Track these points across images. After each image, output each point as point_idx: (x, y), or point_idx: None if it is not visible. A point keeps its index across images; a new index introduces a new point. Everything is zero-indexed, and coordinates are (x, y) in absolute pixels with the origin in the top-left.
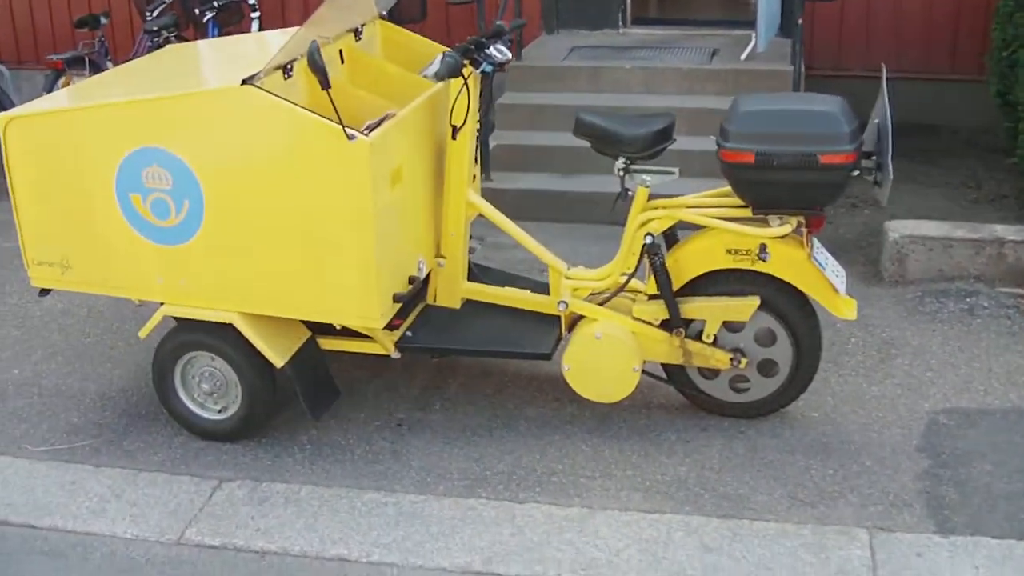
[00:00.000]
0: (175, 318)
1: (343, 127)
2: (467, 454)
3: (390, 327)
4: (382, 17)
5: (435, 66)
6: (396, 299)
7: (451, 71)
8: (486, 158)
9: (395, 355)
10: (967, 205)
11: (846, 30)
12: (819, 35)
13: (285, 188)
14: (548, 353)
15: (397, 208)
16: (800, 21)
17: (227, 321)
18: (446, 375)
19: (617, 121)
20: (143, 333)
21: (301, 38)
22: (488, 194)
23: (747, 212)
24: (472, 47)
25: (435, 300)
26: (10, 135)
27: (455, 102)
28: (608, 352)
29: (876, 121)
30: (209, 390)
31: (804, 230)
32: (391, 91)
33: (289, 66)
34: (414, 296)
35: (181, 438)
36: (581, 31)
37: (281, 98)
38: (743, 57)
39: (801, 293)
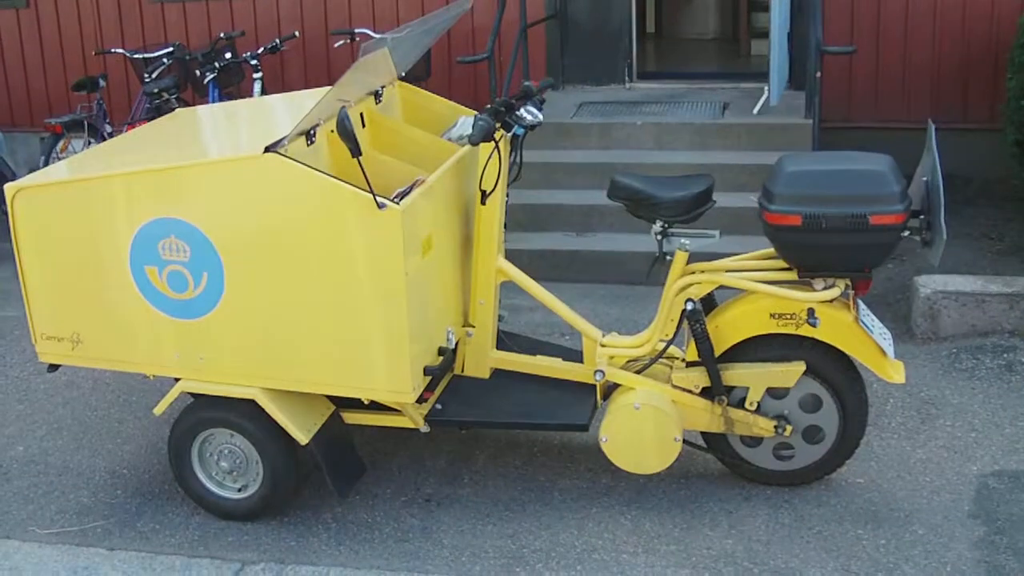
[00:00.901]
0: (192, 394)
1: (373, 195)
2: (501, 531)
3: (420, 400)
4: (400, 79)
5: (459, 128)
6: (427, 372)
7: (484, 135)
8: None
9: (424, 429)
10: (993, 257)
11: (856, 82)
12: (828, 87)
13: (311, 258)
14: (586, 424)
15: (427, 277)
16: (819, 74)
17: (248, 397)
18: (472, 446)
19: (654, 183)
20: (158, 410)
21: (327, 103)
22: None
23: (791, 275)
24: (503, 109)
25: (463, 370)
26: (18, 206)
27: (485, 166)
28: (648, 422)
29: (925, 179)
30: (228, 468)
31: (850, 292)
32: (414, 155)
33: (312, 131)
34: (444, 368)
35: (198, 518)
36: (587, 86)
37: (307, 166)
38: (755, 111)
39: (846, 356)
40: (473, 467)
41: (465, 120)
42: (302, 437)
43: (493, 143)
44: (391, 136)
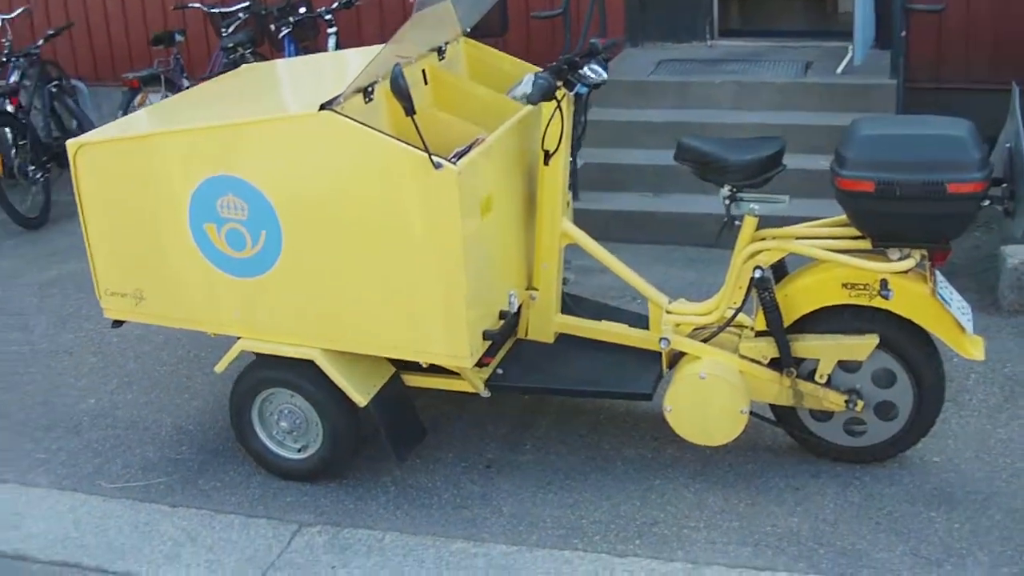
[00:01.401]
0: (253, 353)
1: (429, 155)
2: (561, 500)
3: (480, 364)
4: (466, 35)
5: (524, 87)
6: (486, 336)
7: (544, 94)
8: (574, 177)
9: (485, 394)
10: None
11: (945, 41)
12: (916, 47)
13: (367, 219)
14: (649, 393)
15: (487, 239)
16: (904, 33)
17: (307, 358)
18: (536, 412)
19: (722, 146)
20: (220, 367)
21: (383, 59)
22: (575, 215)
23: (865, 244)
24: (565, 67)
25: (527, 335)
26: (80, 161)
27: (548, 126)
28: (714, 393)
29: (1008, 145)
30: (288, 428)
31: (927, 263)
32: (477, 113)
33: (370, 89)
34: (506, 332)
35: (259, 477)
36: (667, 44)
37: (362, 124)
38: (839, 70)
39: (922, 330)
40: (536, 433)
41: (530, 77)
42: (360, 399)
43: (555, 102)
44: (454, 94)
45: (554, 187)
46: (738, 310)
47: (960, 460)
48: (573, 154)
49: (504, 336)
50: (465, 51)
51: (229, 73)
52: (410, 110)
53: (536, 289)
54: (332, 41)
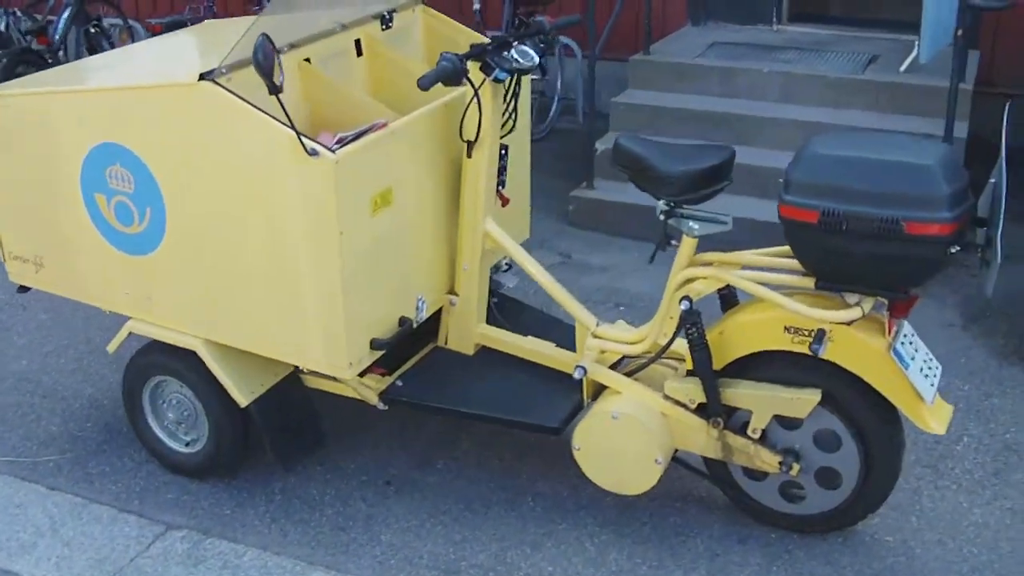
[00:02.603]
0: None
1: (299, 138)
2: (448, 534)
3: (376, 373)
4: (423, 2)
5: None
6: (375, 345)
7: (440, 78)
8: (590, 164)
9: (381, 407)
10: None
11: None
12: (1003, 46)
13: (246, 204)
14: (558, 428)
15: (384, 238)
16: (959, 31)
17: (190, 348)
18: (462, 428)
19: (661, 152)
20: (111, 347)
21: (261, 25)
22: (588, 205)
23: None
24: (490, 48)
25: (446, 343)
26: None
27: (465, 114)
28: (625, 436)
29: (992, 180)
30: (176, 419)
31: (886, 312)
32: (415, 94)
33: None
34: (410, 339)
35: (150, 467)
36: (730, 25)
37: (241, 99)
38: (903, 68)
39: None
40: (453, 452)
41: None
42: (241, 399)
43: (471, 87)
44: (391, 71)
45: (476, 182)
46: (667, 344)
47: (918, 543)
48: (503, 149)
49: (394, 345)
50: (424, 21)
51: (191, 28)
52: (273, 88)
53: (456, 295)
54: None
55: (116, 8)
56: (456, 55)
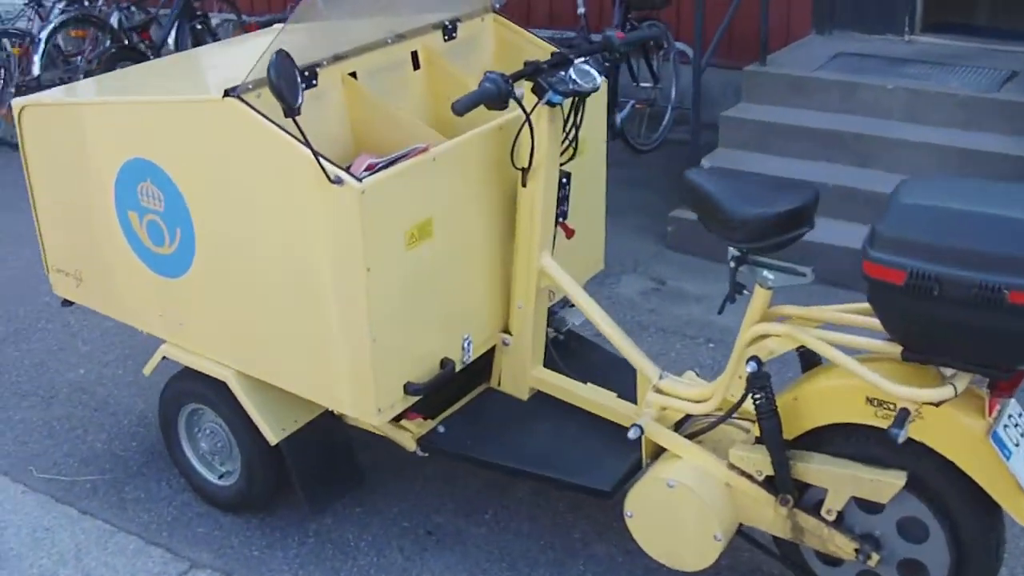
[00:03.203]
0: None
1: (320, 163)
2: None
3: (412, 419)
4: (494, 10)
5: None
6: (410, 390)
7: (481, 100)
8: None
9: (420, 454)
10: None
11: None
12: None
13: (273, 231)
14: (609, 492)
15: (421, 273)
16: None
17: (221, 379)
18: None
19: (732, 191)
20: (147, 370)
21: (294, 35)
22: (688, 228)
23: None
24: (545, 67)
25: (499, 384)
26: (25, 123)
27: (516, 140)
28: (682, 507)
29: None
30: (209, 449)
31: (987, 390)
32: (475, 114)
33: (308, 72)
34: (461, 377)
35: (185, 496)
36: (858, 34)
37: (264, 117)
38: None
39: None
40: (505, 501)
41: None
42: (272, 436)
43: (522, 112)
44: (452, 88)
45: (531, 213)
46: (734, 407)
47: None
48: (564, 177)
49: (432, 390)
50: (494, 31)
51: (252, 34)
52: (288, 110)
53: (510, 334)
54: None
55: (230, 3)
56: (501, 75)
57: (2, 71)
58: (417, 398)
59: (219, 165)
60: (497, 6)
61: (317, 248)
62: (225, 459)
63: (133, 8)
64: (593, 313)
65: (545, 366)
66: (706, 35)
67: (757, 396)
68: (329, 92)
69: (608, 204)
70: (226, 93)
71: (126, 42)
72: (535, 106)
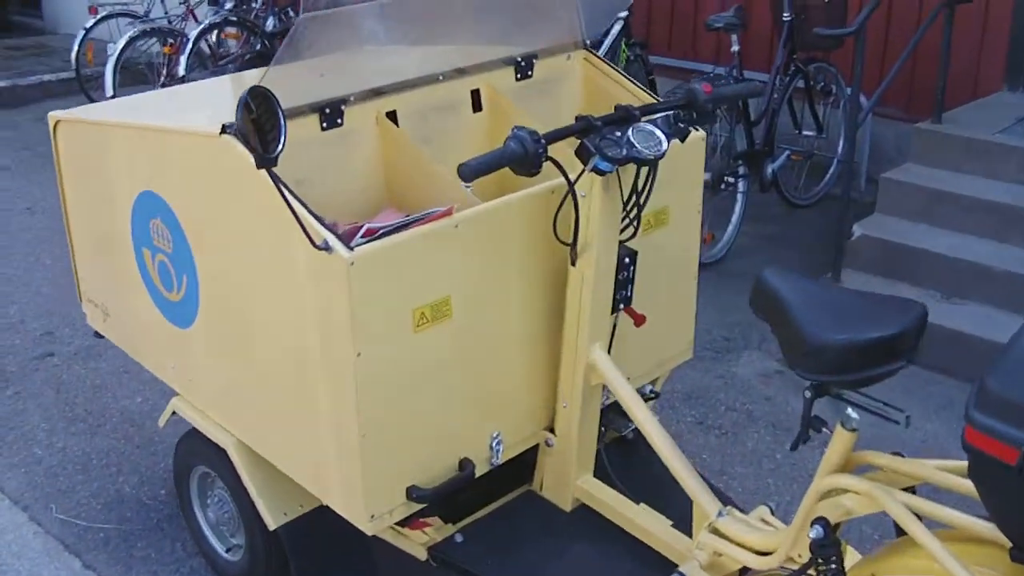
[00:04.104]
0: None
1: (300, 222)
2: None
3: (419, 528)
4: (585, 47)
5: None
6: (415, 496)
7: (503, 163)
8: (840, 253)
9: (432, 564)
10: None
11: None
12: None
13: (268, 292)
14: None
15: (434, 360)
16: None
17: (222, 446)
18: None
19: (817, 303)
20: (161, 422)
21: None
22: None
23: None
24: (599, 124)
25: (541, 489)
26: (60, 139)
27: (559, 210)
28: None
29: None
30: (216, 520)
31: None
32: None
33: (330, 109)
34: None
35: (196, 561)
36: None
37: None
38: None
39: None
40: None
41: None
42: (270, 520)
43: (565, 180)
44: (509, 126)
45: (576, 299)
46: (800, 572)
47: None
48: (627, 257)
49: (442, 497)
50: (582, 72)
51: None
52: (260, 159)
53: (555, 434)
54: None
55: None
56: (532, 133)
57: (163, 68)
58: (422, 505)
59: (219, 208)
60: (587, 42)
61: (307, 320)
62: (234, 531)
63: (290, 12)
64: (647, 424)
65: (596, 475)
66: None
67: (822, 568)
68: (359, 133)
69: (745, 264)
70: (224, 128)
71: (268, 46)
72: (580, 174)
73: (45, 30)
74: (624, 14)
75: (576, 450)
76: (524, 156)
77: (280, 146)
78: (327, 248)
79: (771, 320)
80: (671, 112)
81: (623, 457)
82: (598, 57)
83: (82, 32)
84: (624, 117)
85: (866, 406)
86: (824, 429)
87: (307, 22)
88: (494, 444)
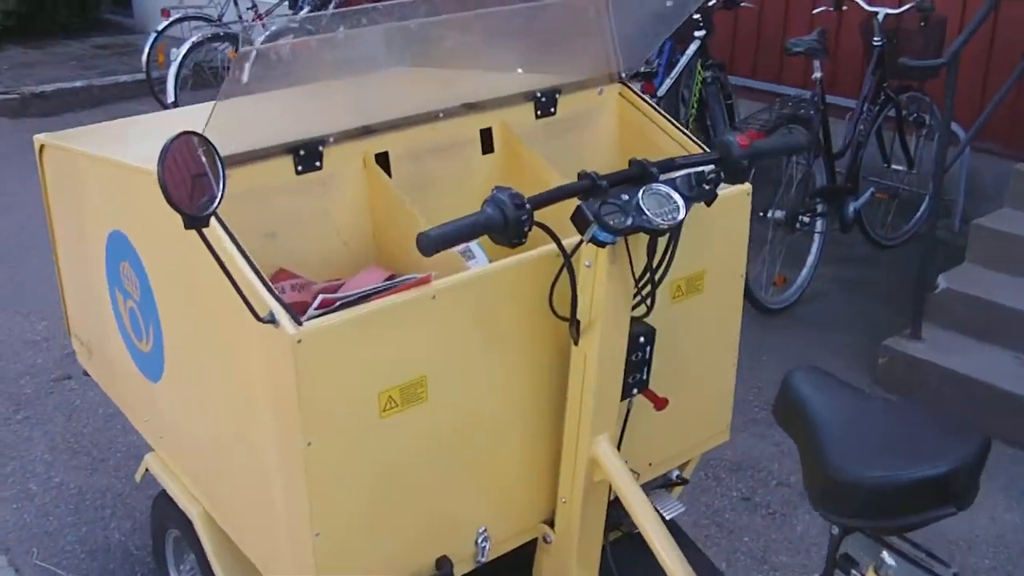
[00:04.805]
0: None
1: (238, 291)
2: None
3: None
4: (620, 80)
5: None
6: None
7: (472, 233)
8: (919, 307)
9: None
10: None
11: None
12: None
13: (223, 358)
14: None
15: (406, 448)
16: None
17: (187, 514)
18: None
19: (855, 423)
20: (137, 477)
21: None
22: (906, 364)
23: None
24: (604, 184)
25: None
26: (45, 163)
27: (555, 282)
28: None
29: None
30: None
31: None
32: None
33: (305, 150)
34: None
35: None
36: None
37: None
38: None
39: None
40: None
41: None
42: None
43: (558, 252)
44: (533, 182)
45: (583, 380)
46: None
47: None
48: (642, 336)
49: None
50: (618, 110)
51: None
52: (188, 219)
53: (553, 529)
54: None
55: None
56: (515, 196)
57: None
58: None
59: (180, 259)
60: (624, 75)
61: (258, 399)
62: None
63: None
64: (649, 529)
65: (601, 574)
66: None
67: None
68: (342, 177)
69: (818, 312)
70: None
71: None
72: (578, 245)
73: (135, 29)
74: (701, 34)
75: (576, 549)
76: (503, 225)
77: (215, 203)
78: (273, 321)
79: (795, 437)
80: (695, 171)
81: (632, 557)
82: (635, 93)
83: (153, 35)
84: (638, 175)
85: (905, 552)
86: (854, 572)
87: (267, 51)
88: (479, 540)
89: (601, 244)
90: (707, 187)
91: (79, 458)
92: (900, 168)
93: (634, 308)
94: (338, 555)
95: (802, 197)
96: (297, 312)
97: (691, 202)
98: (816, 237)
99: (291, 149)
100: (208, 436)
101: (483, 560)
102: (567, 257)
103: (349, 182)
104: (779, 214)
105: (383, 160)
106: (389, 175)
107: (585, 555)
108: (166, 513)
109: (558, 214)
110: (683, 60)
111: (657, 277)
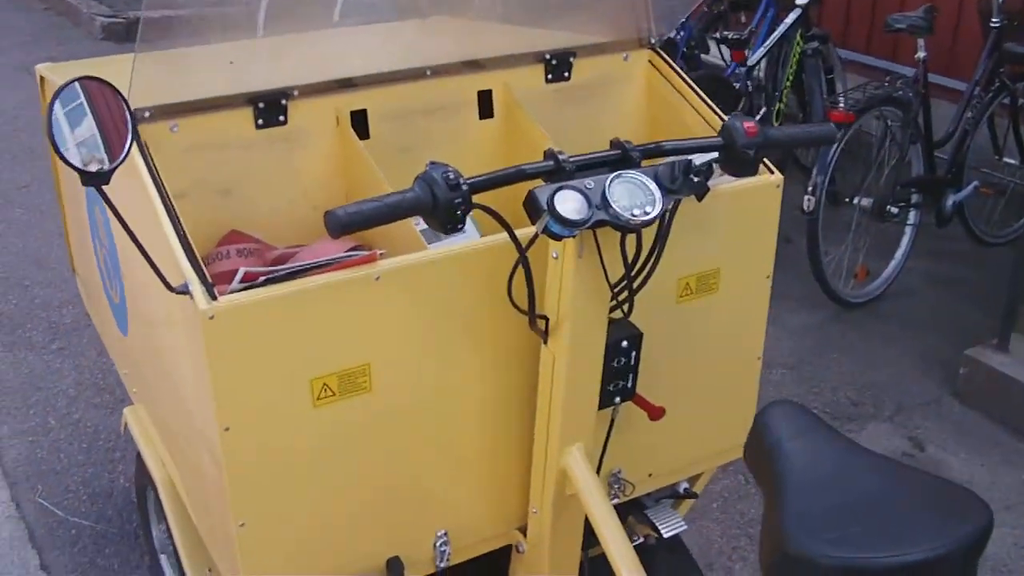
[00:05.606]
0: None
1: (147, 257)
2: None
3: None
4: (650, 46)
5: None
6: None
7: (390, 215)
8: (1010, 317)
9: None
10: None
11: None
12: None
13: (164, 319)
14: None
15: (344, 441)
16: None
17: (152, 476)
18: None
19: (826, 477)
20: (122, 427)
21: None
22: (988, 377)
23: None
24: (570, 166)
25: None
26: (47, 94)
27: (512, 273)
28: None
29: None
30: (159, 547)
31: None
32: None
33: (265, 103)
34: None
35: None
36: None
37: (148, 162)
38: None
39: None
40: None
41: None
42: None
43: (514, 244)
44: (530, 150)
45: (553, 380)
46: None
47: None
48: (625, 340)
49: None
50: (646, 78)
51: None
52: (87, 178)
53: (525, 539)
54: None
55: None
56: (450, 174)
57: None
58: None
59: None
60: (654, 40)
61: (184, 374)
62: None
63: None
64: (615, 553)
65: None
66: None
67: None
68: (312, 135)
69: (904, 309)
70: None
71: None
72: (534, 237)
73: None
74: (803, 1)
75: (549, 561)
76: (431, 207)
77: (120, 159)
78: (186, 292)
79: (761, 484)
80: (682, 159)
81: (655, 559)
82: (666, 62)
83: None
84: (617, 159)
85: None
86: None
87: None
88: (438, 544)
89: (556, 237)
90: (695, 179)
91: (102, 396)
92: (1012, 162)
93: (615, 308)
94: (265, 550)
95: (893, 185)
96: (228, 282)
97: (672, 196)
98: (908, 229)
99: (251, 100)
100: (163, 399)
101: (443, 565)
102: (520, 249)
103: (322, 140)
104: (866, 202)
105: (361, 118)
106: (368, 135)
107: (560, 569)
108: (142, 471)
109: None
110: (780, 29)
111: (641, 277)
